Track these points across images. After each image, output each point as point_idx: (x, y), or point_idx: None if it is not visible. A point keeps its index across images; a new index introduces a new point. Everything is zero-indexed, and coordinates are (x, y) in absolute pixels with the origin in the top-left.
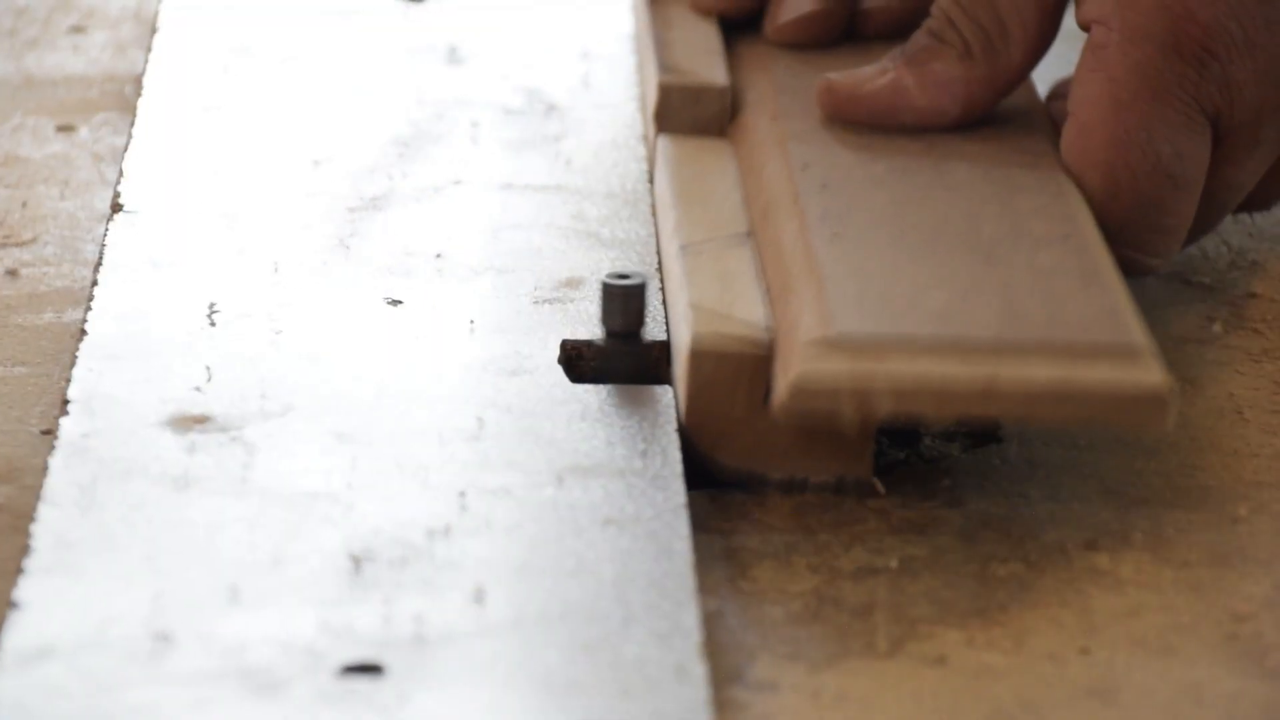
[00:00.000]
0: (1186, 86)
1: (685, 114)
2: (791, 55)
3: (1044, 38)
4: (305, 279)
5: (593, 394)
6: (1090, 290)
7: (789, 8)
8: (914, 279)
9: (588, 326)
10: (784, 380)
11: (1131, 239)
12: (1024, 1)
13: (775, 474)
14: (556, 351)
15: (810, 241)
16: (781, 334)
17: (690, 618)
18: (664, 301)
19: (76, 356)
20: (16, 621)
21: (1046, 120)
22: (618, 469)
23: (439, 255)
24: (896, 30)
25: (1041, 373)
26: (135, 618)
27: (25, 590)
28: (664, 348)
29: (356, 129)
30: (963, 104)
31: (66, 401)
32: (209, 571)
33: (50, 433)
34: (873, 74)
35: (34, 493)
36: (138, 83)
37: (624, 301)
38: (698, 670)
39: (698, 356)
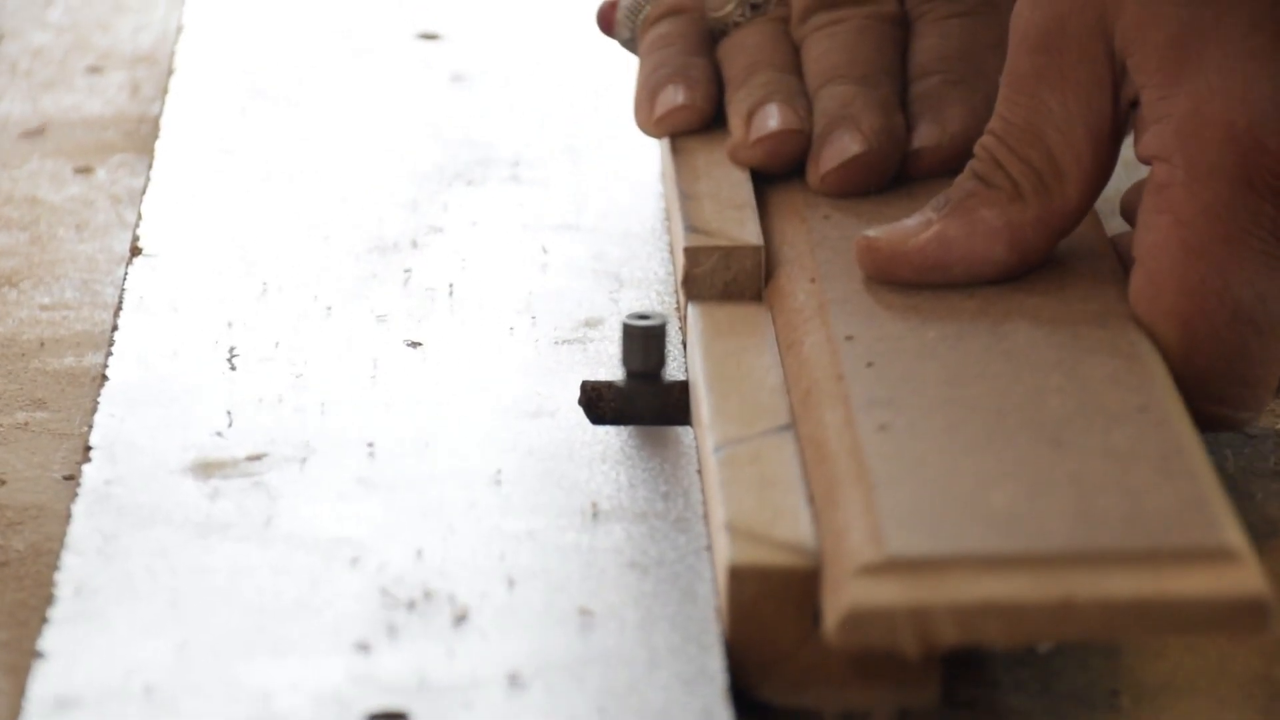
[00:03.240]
0: (1263, 223)
1: (716, 278)
2: (831, 201)
3: (1100, 171)
4: (325, 322)
5: (614, 436)
6: (1173, 478)
7: (834, 152)
8: (974, 474)
9: (608, 367)
10: (834, 610)
11: (1216, 393)
12: (1076, 134)
13: (830, 707)
14: (577, 393)
15: (857, 437)
16: (829, 551)
17: (715, 662)
18: (703, 502)
19: (98, 402)
20: (42, 671)
21: (1112, 258)
22: (640, 512)
23: (458, 296)
24: (948, 170)
25: (1123, 587)
26: (160, 666)
27: (50, 639)
28: (684, 388)
29: (374, 169)
30: (1017, 252)
31: (89, 448)
32: (233, 618)
33: (72, 478)
34: (915, 228)
35: (57, 540)
36: (155, 124)
37: (644, 342)
38: (724, 715)
39: (737, 583)
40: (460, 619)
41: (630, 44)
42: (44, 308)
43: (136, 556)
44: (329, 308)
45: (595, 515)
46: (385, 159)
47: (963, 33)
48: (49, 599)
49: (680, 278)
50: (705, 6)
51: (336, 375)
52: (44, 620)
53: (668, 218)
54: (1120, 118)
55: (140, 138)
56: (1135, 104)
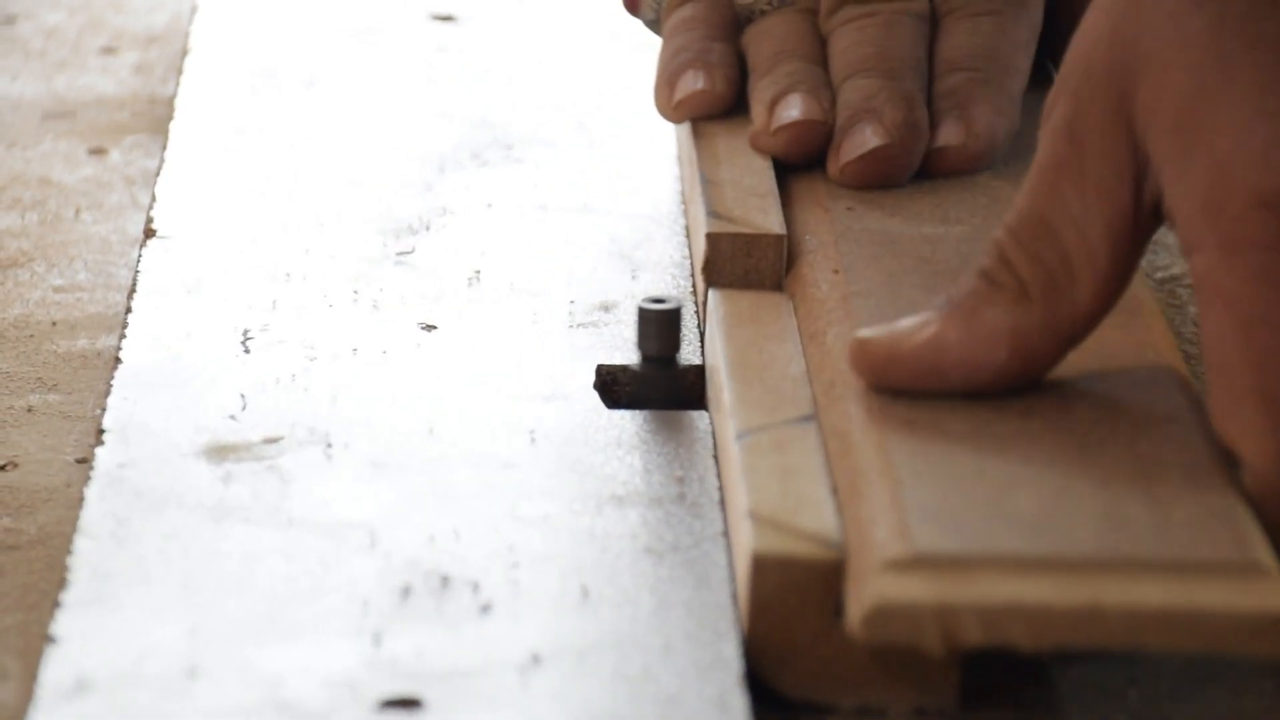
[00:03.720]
0: None
1: (737, 265)
2: (854, 193)
3: (1117, 275)
4: (339, 304)
5: (629, 420)
6: (1200, 489)
7: (855, 143)
8: (1000, 474)
9: (623, 351)
10: (858, 605)
11: None
12: (1093, 231)
13: (847, 702)
14: (592, 376)
15: (882, 431)
16: (853, 546)
17: (731, 648)
18: (720, 488)
19: (111, 384)
20: (54, 656)
21: (1142, 295)
22: (655, 497)
23: (472, 279)
24: (971, 168)
25: (1151, 595)
26: (172, 651)
27: (62, 624)
28: (700, 372)
29: (388, 151)
30: (1019, 358)
31: (101, 431)
32: (245, 603)
33: (85, 461)
34: (913, 328)
35: (69, 523)
36: (169, 104)
37: (660, 326)
38: (739, 702)
39: (759, 573)
40: (474, 604)
41: (654, 25)
42: (57, 289)
43: (149, 540)
44: (343, 290)
45: (610, 500)
46: (399, 140)
47: (992, 31)
48: (60, 583)
49: (701, 263)
50: None
51: (350, 358)
52: (55, 604)
53: (685, 202)
54: (1143, 218)
55: (154, 118)
56: (1160, 206)
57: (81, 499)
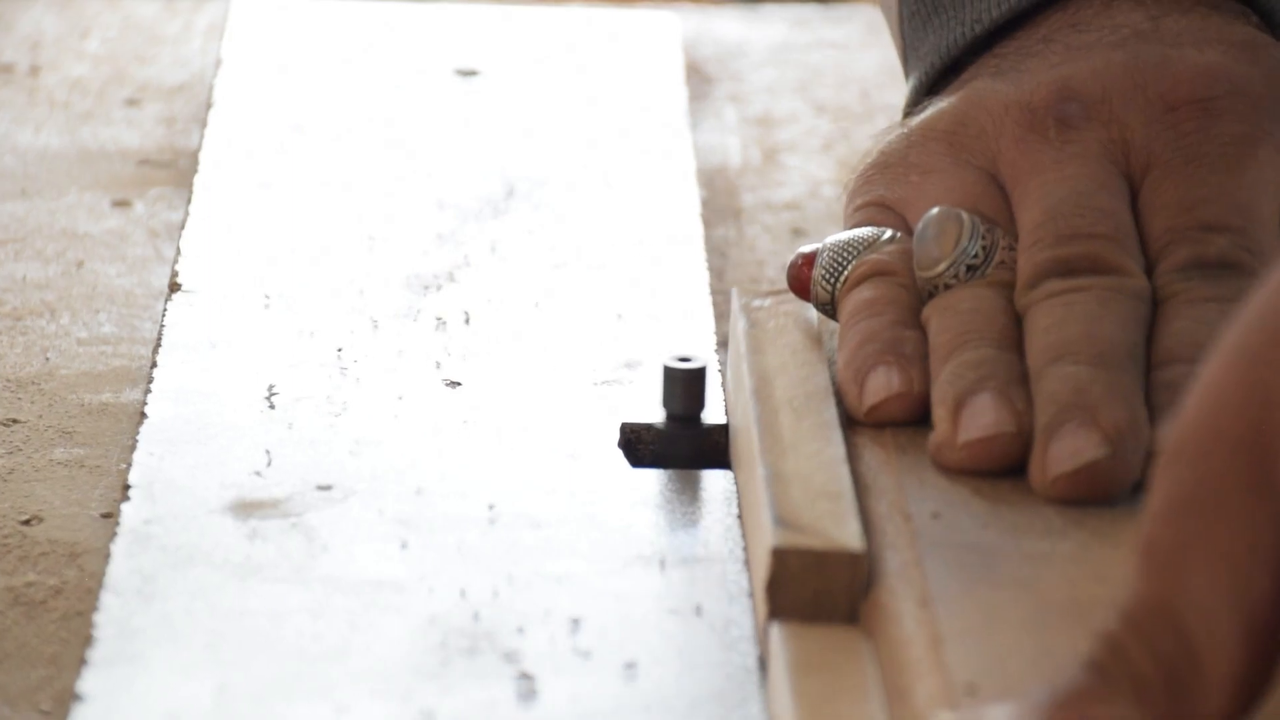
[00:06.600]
0: None
1: (806, 585)
2: (940, 489)
3: (1256, 676)
4: (364, 360)
5: (653, 479)
6: None
7: (1067, 451)
8: None
9: (648, 409)
10: None
11: None
12: (1225, 622)
13: None
14: (616, 434)
15: None
16: None
17: (755, 708)
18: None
19: (136, 440)
20: (81, 714)
21: None
22: (680, 557)
23: (497, 335)
24: None
25: None
26: (198, 710)
27: (89, 682)
28: (724, 431)
29: (411, 205)
30: None
31: (127, 486)
32: (273, 662)
33: (110, 516)
34: (1004, 717)
35: (95, 579)
36: (193, 157)
37: (685, 384)
38: None
39: None
40: (501, 663)
41: (827, 309)
42: (81, 342)
43: (176, 598)
44: (367, 346)
45: (635, 559)
46: (423, 194)
47: (1222, 320)
48: (85, 639)
49: (764, 583)
50: (914, 265)
51: (375, 415)
52: (81, 661)
53: (736, 467)
54: None
55: (178, 171)
56: None
57: (107, 555)
